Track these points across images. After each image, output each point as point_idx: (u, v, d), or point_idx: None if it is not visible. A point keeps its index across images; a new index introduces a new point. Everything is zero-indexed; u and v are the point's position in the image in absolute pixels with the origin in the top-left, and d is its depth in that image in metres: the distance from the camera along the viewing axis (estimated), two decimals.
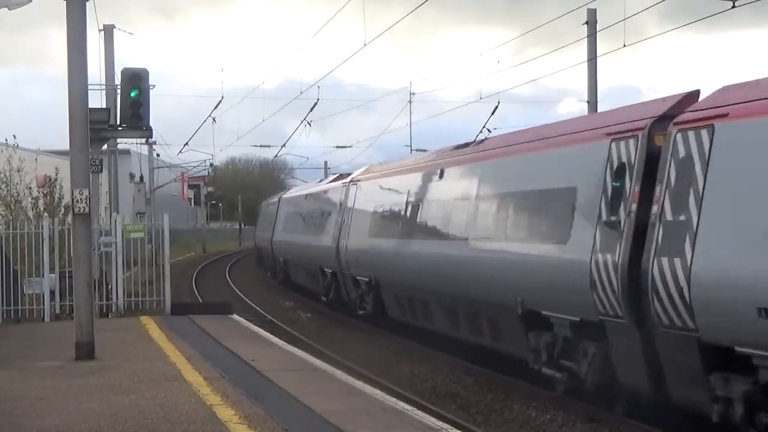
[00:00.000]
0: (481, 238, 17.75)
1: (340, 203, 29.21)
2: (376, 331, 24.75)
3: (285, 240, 41.28)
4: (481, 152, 19.03)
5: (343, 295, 28.60)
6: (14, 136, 31.01)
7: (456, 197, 19.22)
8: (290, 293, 38.73)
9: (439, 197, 20.41)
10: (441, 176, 20.58)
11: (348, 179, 29.57)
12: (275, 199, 50.99)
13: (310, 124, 49.06)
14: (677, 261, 11.55)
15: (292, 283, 40.20)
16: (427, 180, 21.52)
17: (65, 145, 16.63)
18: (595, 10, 28.67)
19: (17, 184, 29.52)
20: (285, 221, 42.73)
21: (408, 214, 22.09)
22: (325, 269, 30.37)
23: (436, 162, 21.46)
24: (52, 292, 21.78)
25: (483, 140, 20.01)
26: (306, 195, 38.58)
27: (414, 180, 22.50)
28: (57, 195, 29.17)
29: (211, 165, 69.17)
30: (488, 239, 17.49)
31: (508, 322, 16.57)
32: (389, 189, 24.57)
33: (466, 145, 20.41)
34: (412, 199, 22.07)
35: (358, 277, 25.97)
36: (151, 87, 23.39)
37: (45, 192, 29.52)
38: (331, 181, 34.52)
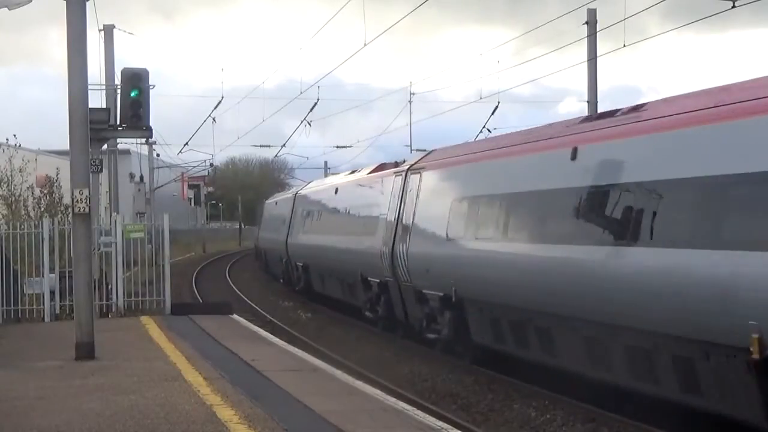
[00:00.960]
0: (669, 242, 12.29)
1: (397, 197, 23.11)
2: (376, 331, 24.72)
3: (306, 243, 34.69)
4: (650, 120, 13.58)
5: (398, 312, 22.96)
6: (15, 135, 31.00)
7: (608, 183, 13.99)
8: (313, 305, 32.79)
9: (571, 184, 14.94)
10: (574, 157, 15.12)
11: (405, 167, 23.54)
12: (288, 195, 45.28)
13: (310, 124, 49.11)
14: None
15: (315, 294, 33.83)
16: (548, 162, 16.05)
17: (65, 145, 16.64)
18: (595, 10, 28.69)
19: (19, 184, 29.52)
20: (305, 220, 36.10)
21: (515, 209, 16.90)
22: (370, 279, 24.65)
23: (563, 138, 15.94)
24: (52, 292, 21.78)
25: (640, 106, 14.64)
26: (337, 189, 31.59)
27: (523, 164, 17.12)
28: (57, 195, 29.19)
29: (211, 165, 69.15)
30: (686, 243, 11.91)
31: (725, 369, 11.39)
32: (482, 177, 18.81)
33: (611, 114, 15.36)
34: (522, 188, 16.71)
35: (425, 291, 20.45)
36: (151, 87, 23.39)
37: (45, 192, 29.53)
38: (372, 171, 27.77)
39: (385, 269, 22.86)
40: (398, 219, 22.47)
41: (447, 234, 19.41)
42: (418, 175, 22.00)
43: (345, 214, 28.99)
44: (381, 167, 27.29)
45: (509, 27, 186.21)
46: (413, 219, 21.48)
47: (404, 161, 25.44)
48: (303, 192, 39.64)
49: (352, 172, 32.33)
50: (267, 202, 56.12)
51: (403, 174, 23.09)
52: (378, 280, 23.84)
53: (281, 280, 41.48)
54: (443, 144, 23.58)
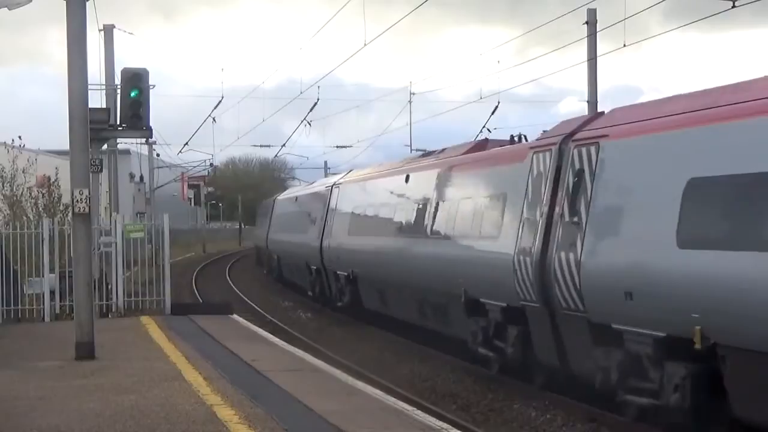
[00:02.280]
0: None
1: (545, 182, 15.53)
2: (376, 331, 24.73)
3: (358, 247, 26.75)
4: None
5: (548, 357, 15.56)
6: (20, 137, 31.03)
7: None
8: (363, 326, 25.94)
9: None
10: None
11: (552, 138, 15.89)
12: (318, 188, 35.75)
13: (310, 124, 49.14)
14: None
15: (367, 312, 26.48)
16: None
17: (65, 145, 16.64)
18: (595, 9, 28.68)
19: (21, 184, 29.52)
20: (354, 218, 28.08)
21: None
22: (486, 301, 17.40)
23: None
24: (52, 292, 21.78)
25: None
26: (409, 176, 23.49)
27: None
28: (56, 195, 29.19)
29: (211, 165, 69.20)
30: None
31: None
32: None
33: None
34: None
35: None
36: (151, 87, 23.45)
37: (43, 192, 29.53)
38: (469, 151, 20.51)
39: (523, 289, 15.46)
40: (550, 214, 15.00)
41: (677, 233, 12.02)
42: (593, 148, 14.35)
43: (431, 211, 20.81)
44: (480, 146, 20.44)
45: (510, 26, 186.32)
46: (593, 214, 14.03)
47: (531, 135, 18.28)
48: (346, 182, 30.69)
49: (426, 153, 24.55)
50: (279, 198, 48.97)
51: (554, 149, 15.28)
52: (502, 304, 16.48)
53: (310, 293, 33.33)
54: (444, 144, 23.22)
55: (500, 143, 19.75)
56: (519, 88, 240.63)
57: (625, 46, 26.94)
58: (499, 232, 16.79)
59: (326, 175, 57.52)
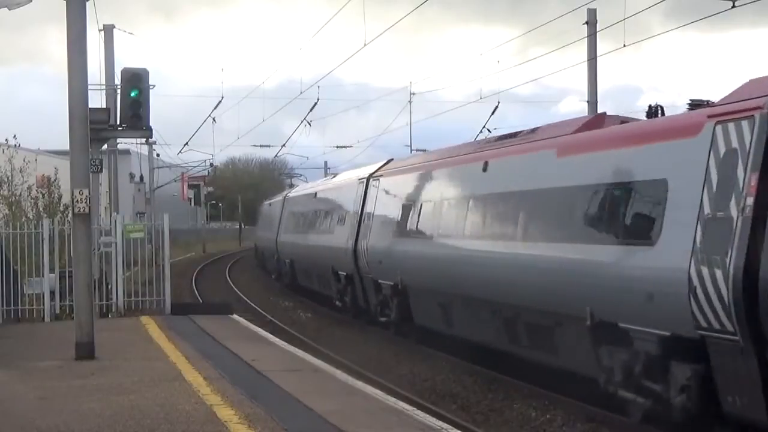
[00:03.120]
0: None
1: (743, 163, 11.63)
2: (376, 331, 24.71)
3: (439, 251, 20.54)
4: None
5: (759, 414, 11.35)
6: (15, 136, 30.99)
7: None
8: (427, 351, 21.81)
9: None
10: None
11: (740, 104, 11.96)
12: (351, 178, 29.73)
13: (309, 124, 49.13)
14: None
15: (426, 334, 21.82)
16: None
17: (64, 145, 16.64)
18: (595, 9, 28.68)
19: (19, 184, 29.52)
20: (413, 216, 22.25)
21: None
22: (631, 328, 13.26)
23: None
24: (52, 292, 21.78)
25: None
26: (486, 164, 18.73)
27: None
28: (55, 195, 29.19)
29: (211, 165, 69.20)
30: None
31: None
32: None
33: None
34: None
35: None
36: (151, 87, 23.43)
37: (43, 192, 29.54)
38: (582, 128, 16.26)
39: (707, 314, 11.48)
40: (759, 208, 11.09)
41: None
42: None
43: (527, 206, 16.41)
44: (596, 122, 16.21)
45: (511, 26, 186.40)
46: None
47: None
48: (389, 173, 25.28)
49: (506, 136, 19.43)
50: (291, 195, 43.63)
51: (759, 116, 11.30)
52: (662, 333, 12.45)
53: (338, 303, 28.49)
54: (443, 144, 22.77)
55: (620, 119, 15.93)
56: (519, 87, 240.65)
57: (625, 46, 26.90)
58: (658, 234, 12.63)
59: (326, 175, 56.65)
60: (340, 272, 27.76)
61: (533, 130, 17.81)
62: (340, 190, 30.51)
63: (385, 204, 24.39)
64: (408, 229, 22.06)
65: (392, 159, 27.10)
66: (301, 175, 71.03)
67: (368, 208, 25.60)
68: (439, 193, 20.72)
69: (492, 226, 17.70)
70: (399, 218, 22.78)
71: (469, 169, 19.30)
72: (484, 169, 18.35)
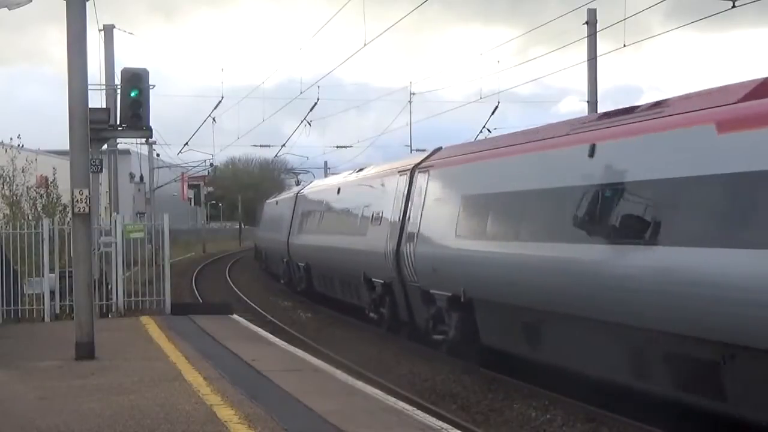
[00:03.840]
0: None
1: None
2: (376, 331, 24.71)
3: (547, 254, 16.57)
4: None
5: None
6: (19, 136, 31.01)
7: None
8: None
9: None
10: None
11: None
12: (401, 167, 23.95)
13: (309, 124, 49.12)
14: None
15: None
16: None
17: (63, 145, 16.65)
18: (595, 9, 28.68)
19: (20, 184, 29.52)
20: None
21: None
22: None
23: None
24: (52, 292, 21.78)
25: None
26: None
27: None
28: (54, 195, 29.19)
29: (211, 165, 69.20)
30: None
31: None
32: None
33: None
34: None
35: None
36: (151, 87, 23.43)
37: (41, 193, 29.54)
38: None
39: None
40: None
41: None
42: None
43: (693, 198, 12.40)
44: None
45: (511, 26, 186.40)
46: None
47: None
48: (445, 164, 20.98)
49: (617, 113, 15.40)
50: (305, 192, 38.67)
51: None
52: None
53: (372, 315, 24.72)
54: (442, 144, 22.61)
55: None
56: (519, 87, 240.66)
57: (625, 46, 26.93)
58: None
59: (326, 175, 56.34)
60: (375, 280, 23.79)
61: (658, 104, 14.18)
62: (373, 184, 26.02)
63: (441, 200, 20.14)
64: (476, 229, 17.91)
65: (440, 147, 22.23)
66: (308, 171, 68.40)
67: (415, 205, 21.32)
68: (523, 185, 16.53)
69: (619, 226, 13.56)
70: (462, 216, 18.69)
71: (566, 155, 15.50)
72: (591, 155, 14.63)
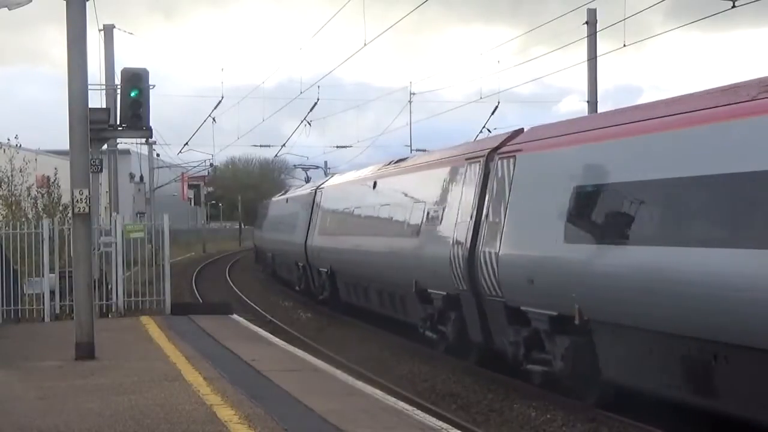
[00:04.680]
0: None
1: None
2: (376, 331, 24.71)
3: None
4: None
5: None
6: (16, 136, 31.01)
7: None
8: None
9: None
10: None
11: None
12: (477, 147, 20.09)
13: (309, 124, 49.10)
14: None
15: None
16: None
17: (63, 145, 16.66)
18: (595, 9, 28.69)
19: (19, 184, 29.53)
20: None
21: None
22: None
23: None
24: (52, 292, 21.79)
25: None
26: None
27: None
28: (55, 195, 29.20)
29: (211, 165, 69.22)
30: None
31: None
32: None
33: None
34: None
35: None
36: (151, 87, 23.44)
37: (43, 192, 29.55)
38: None
39: None
40: None
41: None
42: None
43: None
44: None
45: (512, 26, 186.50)
46: None
47: None
48: (558, 141, 16.03)
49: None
50: (327, 186, 33.59)
51: None
52: None
53: (429, 335, 20.38)
54: (443, 144, 21.99)
55: None
56: (519, 87, 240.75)
57: (625, 46, 26.87)
58: None
59: (326, 175, 55.23)
60: (433, 291, 19.75)
61: None
62: (425, 176, 21.51)
63: (541, 192, 15.62)
64: (605, 229, 13.70)
65: (522, 129, 17.98)
66: (317, 167, 64.52)
67: (495, 199, 17.11)
68: (692, 169, 12.07)
69: None
70: (576, 213, 14.33)
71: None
72: None
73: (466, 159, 18.95)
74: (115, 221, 22.67)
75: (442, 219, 19.48)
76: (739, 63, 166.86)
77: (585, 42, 29.10)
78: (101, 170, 25.76)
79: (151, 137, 32.82)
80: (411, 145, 52.11)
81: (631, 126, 13.80)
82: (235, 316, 22.86)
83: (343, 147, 64.69)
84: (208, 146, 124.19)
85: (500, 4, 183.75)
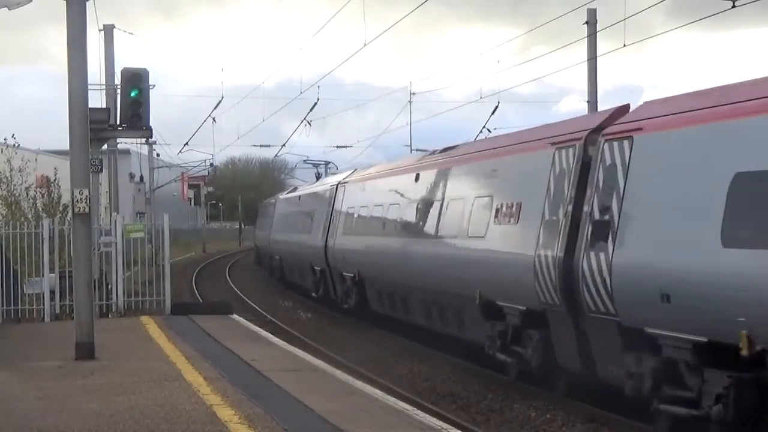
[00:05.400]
0: None
1: None
2: (376, 331, 24.70)
3: None
4: None
5: None
6: (13, 135, 30.97)
7: None
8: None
9: None
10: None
11: None
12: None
13: (309, 124, 49.08)
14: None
15: None
16: None
17: (62, 145, 16.67)
18: (595, 10, 28.68)
19: (18, 184, 29.52)
20: None
21: None
22: None
23: None
24: (52, 292, 21.78)
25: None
26: None
27: None
28: (55, 195, 29.19)
29: (211, 165, 69.25)
30: None
31: None
32: None
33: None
34: None
35: None
36: (150, 87, 23.44)
37: (42, 192, 29.54)
38: None
39: None
40: None
41: None
42: None
43: None
44: None
45: (512, 26, 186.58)
46: None
47: None
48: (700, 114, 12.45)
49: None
50: (351, 182, 29.49)
51: None
52: None
53: (508, 361, 16.72)
54: (443, 144, 21.99)
55: None
56: (519, 87, 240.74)
57: (624, 45, 26.88)
58: None
59: (326, 175, 53.77)
60: (505, 305, 16.21)
61: None
62: (486, 166, 18.16)
63: (671, 183, 12.48)
64: None
65: (628, 106, 14.74)
66: (330, 162, 61.50)
67: (600, 192, 13.77)
68: None
69: None
70: (734, 206, 11.17)
71: None
72: None
73: (553, 144, 15.42)
74: (115, 221, 22.66)
75: (519, 217, 16.06)
76: (741, 63, 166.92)
77: (585, 42, 29.10)
78: (101, 170, 25.75)
79: (151, 137, 32.83)
80: (411, 145, 52.11)
81: None
82: (235, 316, 22.86)
83: (343, 147, 64.68)
84: (208, 146, 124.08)
85: (500, 4, 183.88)
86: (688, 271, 11.64)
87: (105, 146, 27.28)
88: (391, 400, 11.91)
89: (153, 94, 23.55)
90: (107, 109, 24.15)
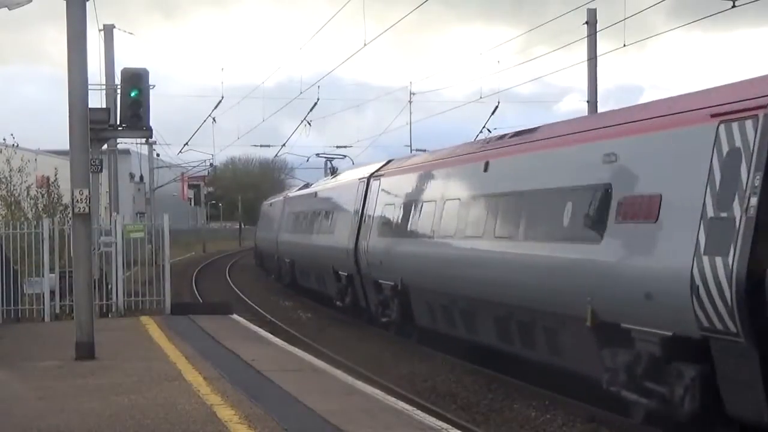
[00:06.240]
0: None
1: None
2: (376, 331, 24.70)
3: None
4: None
5: None
6: (12, 135, 30.97)
7: None
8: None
9: None
10: None
11: None
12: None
13: (309, 124, 49.04)
14: None
15: None
16: None
17: (62, 145, 16.67)
18: (595, 10, 28.67)
19: (18, 184, 29.51)
20: None
21: None
22: None
23: None
24: (52, 292, 21.78)
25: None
26: None
27: None
28: (55, 195, 29.19)
29: (211, 165, 69.22)
30: None
31: None
32: None
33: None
34: None
35: None
36: (150, 87, 23.43)
37: (42, 192, 29.54)
38: None
39: None
40: None
41: None
42: None
43: None
44: None
45: (512, 26, 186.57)
46: None
47: None
48: None
49: None
50: (385, 176, 25.28)
51: None
52: None
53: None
54: (443, 144, 19.99)
55: None
56: (519, 87, 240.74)
57: (624, 45, 26.91)
58: None
59: (326, 174, 51.67)
60: (636, 329, 12.44)
61: None
62: (588, 152, 14.32)
63: None
64: None
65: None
66: (344, 156, 57.17)
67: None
68: None
69: None
70: None
71: None
72: None
73: (716, 115, 11.45)
74: (115, 221, 22.67)
75: (659, 213, 12.18)
76: (742, 62, 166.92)
77: (585, 42, 29.10)
78: (101, 170, 25.74)
79: (151, 137, 32.81)
80: (411, 145, 52.11)
81: None
82: (235, 316, 22.86)
83: (343, 147, 64.64)
84: (208, 146, 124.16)
85: (501, 4, 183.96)
86: None
87: (105, 146, 27.27)
88: (391, 400, 11.91)
89: (153, 94, 23.55)
90: (107, 109, 24.14)
